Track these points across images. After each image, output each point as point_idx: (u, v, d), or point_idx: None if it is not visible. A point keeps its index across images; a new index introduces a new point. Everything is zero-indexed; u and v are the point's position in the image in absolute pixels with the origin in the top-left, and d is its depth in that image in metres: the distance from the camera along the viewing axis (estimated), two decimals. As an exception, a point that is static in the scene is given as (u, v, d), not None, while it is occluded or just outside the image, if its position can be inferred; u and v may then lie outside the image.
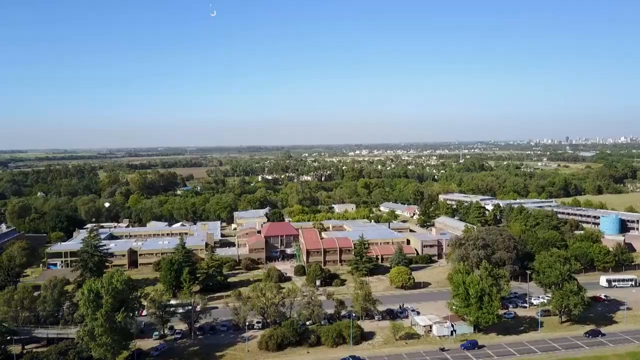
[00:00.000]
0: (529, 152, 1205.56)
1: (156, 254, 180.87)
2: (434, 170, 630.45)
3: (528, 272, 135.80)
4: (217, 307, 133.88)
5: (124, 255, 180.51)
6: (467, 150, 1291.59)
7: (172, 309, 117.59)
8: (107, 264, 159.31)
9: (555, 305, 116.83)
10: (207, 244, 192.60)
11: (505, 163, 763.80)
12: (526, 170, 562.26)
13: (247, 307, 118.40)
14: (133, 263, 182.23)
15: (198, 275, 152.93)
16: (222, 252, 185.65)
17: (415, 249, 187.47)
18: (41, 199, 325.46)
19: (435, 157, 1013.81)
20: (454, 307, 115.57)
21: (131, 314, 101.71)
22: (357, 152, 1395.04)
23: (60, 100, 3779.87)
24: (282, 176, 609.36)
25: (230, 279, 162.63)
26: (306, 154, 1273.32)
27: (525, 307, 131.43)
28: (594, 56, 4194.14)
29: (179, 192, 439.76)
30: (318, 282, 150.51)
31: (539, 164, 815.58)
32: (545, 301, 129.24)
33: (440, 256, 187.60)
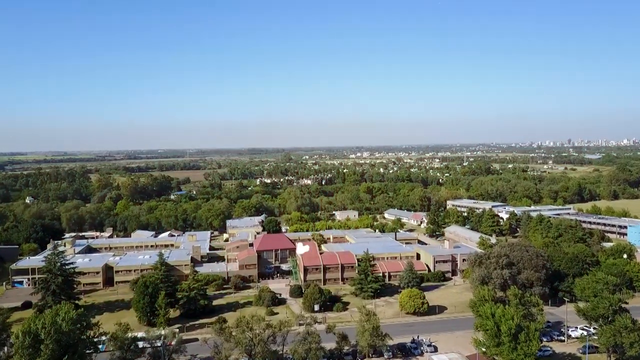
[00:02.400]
0: (533, 154, 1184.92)
1: (135, 270, 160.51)
2: (438, 174, 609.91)
3: (565, 299, 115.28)
4: (197, 339, 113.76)
5: (98, 273, 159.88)
6: (469, 153, 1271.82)
7: (139, 344, 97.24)
8: (74, 285, 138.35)
9: (605, 343, 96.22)
10: (193, 259, 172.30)
11: (510, 166, 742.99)
12: (534, 174, 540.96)
13: (231, 344, 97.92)
14: (109, 281, 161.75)
15: (179, 297, 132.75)
16: (209, 269, 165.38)
17: (427, 265, 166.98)
18: (22, 206, 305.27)
19: (438, 160, 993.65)
20: (482, 348, 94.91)
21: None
22: (358, 154, 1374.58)
23: (63, 102, 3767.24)
24: (282, 179, 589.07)
25: (217, 301, 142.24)
26: (307, 157, 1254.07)
27: (563, 341, 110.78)
28: (594, 58, 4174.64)
29: (172, 196, 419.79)
30: (317, 307, 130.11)
31: (545, 166, 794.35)
32: (586, 333, 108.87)
33: (454, 273, 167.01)
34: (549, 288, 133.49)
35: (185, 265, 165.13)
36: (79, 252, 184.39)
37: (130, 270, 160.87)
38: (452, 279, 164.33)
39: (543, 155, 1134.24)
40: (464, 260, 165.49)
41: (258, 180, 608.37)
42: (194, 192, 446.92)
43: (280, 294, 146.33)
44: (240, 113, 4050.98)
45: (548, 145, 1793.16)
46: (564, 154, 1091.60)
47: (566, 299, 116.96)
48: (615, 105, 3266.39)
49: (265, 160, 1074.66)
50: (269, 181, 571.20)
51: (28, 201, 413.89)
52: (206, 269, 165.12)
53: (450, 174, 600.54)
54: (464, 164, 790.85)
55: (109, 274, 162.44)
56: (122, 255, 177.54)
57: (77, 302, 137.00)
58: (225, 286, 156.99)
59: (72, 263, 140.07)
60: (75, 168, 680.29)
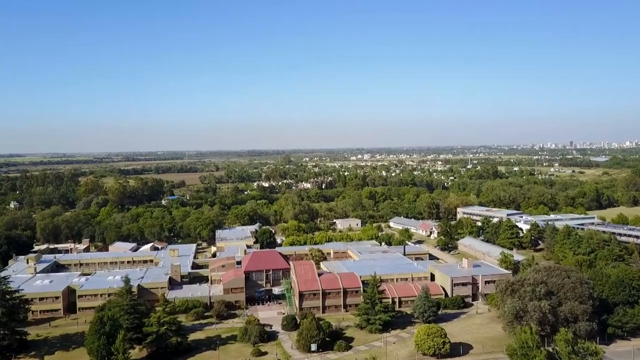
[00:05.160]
0: (536, 156, 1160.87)
1: (102, 295, 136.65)
2: (443, 177, 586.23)
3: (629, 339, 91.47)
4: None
5: (57, 298, 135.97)
6: (472, 155, 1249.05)
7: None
8: (21, 316, 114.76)
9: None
10: (171, 280, 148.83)
11: (516, 169, 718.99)
12: (544, 178, 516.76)
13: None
14: (72, 307, 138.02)
15: (149, 330, 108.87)
16: (189, 292, 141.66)
17: (442, 287, 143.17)
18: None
19: (440, 162, 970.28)
20: None
21: None
22: (359, 156, 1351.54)
23: (63, 103, 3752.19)
24: (280, 183, 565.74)
25: (194, 335, 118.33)
26: (307, 159, 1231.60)
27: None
28: (595, 59, 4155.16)
29: (163, 202, 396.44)
30: (314, 347, 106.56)
31: (552, 169, 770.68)
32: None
33: (475, 297, 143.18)
34: (597, 322, 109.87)
35: (162, 288, 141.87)
36: (43, 271, 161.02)
37: (96, 295, 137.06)
38: (472, 304, 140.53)
39: (547, 157, 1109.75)
40: (486, 282, 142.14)
41: (255, 183, 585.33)
42: (187, 197, 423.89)
43: (270, 326, 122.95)
44: (241, 115, 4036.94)
45: (550, 147, 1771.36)
46: (568, 157, 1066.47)
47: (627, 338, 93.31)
48: (615, 106, 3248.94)
49: (265, 163, 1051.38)
50: (266, 185, 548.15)
51: (13, 206, 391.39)
52: (185, 292, 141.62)
53: (455, 178, 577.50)
54: (468, 167, 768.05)
55: (72, 299, 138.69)
56: (90, 275, 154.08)
57: (24, 337, 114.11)
58: (206, 314, 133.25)
59: (17, 291, 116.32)
60: (63, 171, 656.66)
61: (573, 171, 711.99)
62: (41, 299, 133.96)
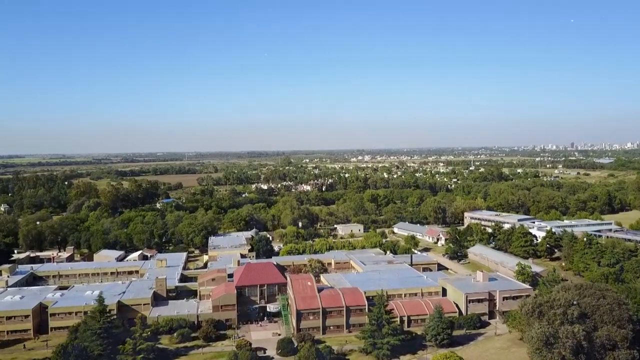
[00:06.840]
0: (538, 158, 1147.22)
1: (76, 312, 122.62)
2: (445, 179, 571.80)
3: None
4: None
5: (27, 316, 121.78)
6: (473, 157, 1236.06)
7: None
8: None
9: None
10: (156, 295, 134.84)
11: (519, 171, 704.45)
12: (551, 180, 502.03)
13: None
14: (43, 326, 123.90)
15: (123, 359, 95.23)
16: (174, 309, 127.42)
17: (456, 304, 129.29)
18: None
19: (442, 164, 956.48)
20: None
21: None
22: (360, 157, 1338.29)
23: (64, 104, 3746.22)
24: (279, 185, 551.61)
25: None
26: (307, 160, 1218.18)
27: None
28: (595, 60, 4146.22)
29: (158, 205, 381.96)
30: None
31: (556, 171, 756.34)
32: None
33: (491, 314, 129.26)
34: (638, 350, 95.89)
35: (145, 304, 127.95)
36: (16, 284, 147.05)
37: (71, 313, 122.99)
38: (489, 323, 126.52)
39: (550, 159, 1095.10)
40: (504, 299, 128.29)
41: (254, 185, 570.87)
42: (183, 200, 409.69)
43: (264, 350, 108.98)
44: (241, 116, 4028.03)
45: (551, 148, 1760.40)
46: (571, 158, 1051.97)
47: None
48: (615, 107, 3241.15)
49: (265, 164, 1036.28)
50: (265, 187, 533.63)
51: (3, 209, 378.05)
52: (171, 309, 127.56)
53: (458, 180, 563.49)
54: (471, 169, 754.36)
55: (44, 317, 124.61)
56: (66, 290, 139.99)
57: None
58: (193, 335, 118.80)
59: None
60: (57, 173, 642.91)
61: (578, 173, 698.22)
62: (8, 317, 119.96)
